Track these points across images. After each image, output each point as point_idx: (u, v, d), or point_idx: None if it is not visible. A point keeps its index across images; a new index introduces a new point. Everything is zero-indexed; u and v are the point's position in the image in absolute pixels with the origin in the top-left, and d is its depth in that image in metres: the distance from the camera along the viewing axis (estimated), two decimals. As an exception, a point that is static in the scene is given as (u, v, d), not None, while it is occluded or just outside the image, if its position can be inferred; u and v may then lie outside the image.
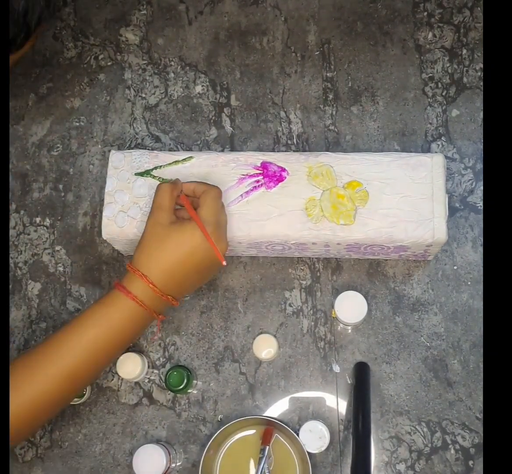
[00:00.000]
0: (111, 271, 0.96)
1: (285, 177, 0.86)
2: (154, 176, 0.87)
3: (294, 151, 0.98)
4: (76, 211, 0.99)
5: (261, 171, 0.87)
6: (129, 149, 1.00)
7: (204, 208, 0.78)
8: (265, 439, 0.86)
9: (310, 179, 0.86)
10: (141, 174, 0.88)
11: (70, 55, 1.06)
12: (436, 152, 0.96)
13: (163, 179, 0.86)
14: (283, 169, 0.87)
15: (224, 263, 0.78)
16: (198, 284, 0.83)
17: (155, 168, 0.88)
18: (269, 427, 0.87)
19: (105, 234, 0.87)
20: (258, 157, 0.88)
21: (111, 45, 1.06)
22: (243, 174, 0.87)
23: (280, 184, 0.86)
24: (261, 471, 0.83)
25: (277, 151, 0.95)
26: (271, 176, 0.86)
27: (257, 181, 0.86)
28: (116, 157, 0.89)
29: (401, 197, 0.84)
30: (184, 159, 0.88)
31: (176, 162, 0.88)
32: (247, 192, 0.86)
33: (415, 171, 0.85)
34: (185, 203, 0.80)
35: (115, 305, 0.76)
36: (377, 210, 0.84)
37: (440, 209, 0.83)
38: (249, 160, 0.88)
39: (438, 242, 0.83)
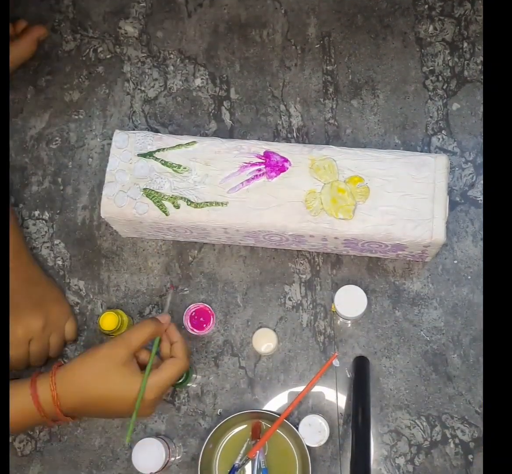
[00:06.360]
0: (110, 264, 0.96)
1: (287, 168, 0.86)
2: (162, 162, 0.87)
3: (294, 144, 0.98)
4: (75, 205, 0.99)
5: (264, 161, 0.86)
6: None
7: (161, 374, 0.78)
8: (254, 434, 0.86)
9: (312, 172, 0.85)
10: (143, 155, 0.88)
11: (69, 48, 1.06)
12: (437, 147, 0.96)
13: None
14: (286, 160, 0.86)
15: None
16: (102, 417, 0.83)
17: (158, 150, 0.88)
18: (257, 422, 0.87)
19: (103, 213, 0.87)
20: (261, 147, 0.87)
21: (110, 37, 1.06)
22: (245, 162, 0.87)
23: (281, 174, 0.86)
24: (258, 465, 0.83)
25: (277, 145, 0.94)
26: (273, 166, 0.86)
27: (259, 170, 0.86)
28: (120, 137, 0.89)
29: (402, 196, 0.84)
30: (187, 144, 0.88)
31: (179, 146, 0.88)
32: (248, 180, 0.86)
33: (418, 171, 0.84)
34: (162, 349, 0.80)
35: (16, 397, 0.76)
36: (377, 207, 0.83)
37: (440, 210, 0.83)
38: (252, 149, 0.87)
39: (436, 242, 0.83)
